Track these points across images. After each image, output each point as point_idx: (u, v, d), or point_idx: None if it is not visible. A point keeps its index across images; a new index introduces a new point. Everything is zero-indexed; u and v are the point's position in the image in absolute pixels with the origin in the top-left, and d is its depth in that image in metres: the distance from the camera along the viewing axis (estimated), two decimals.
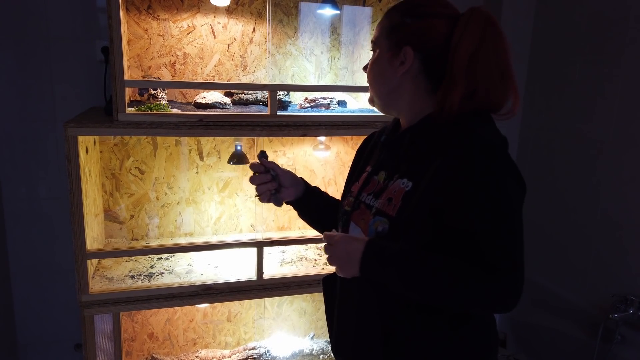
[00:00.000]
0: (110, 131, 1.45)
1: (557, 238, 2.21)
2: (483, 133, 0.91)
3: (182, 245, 1.64)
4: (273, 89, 1.58)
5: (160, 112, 1.51)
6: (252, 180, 1.15)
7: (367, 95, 1.66)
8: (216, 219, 2.17)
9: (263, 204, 1.21)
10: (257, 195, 1.15)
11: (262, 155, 1.14)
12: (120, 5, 1.44)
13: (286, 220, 2.27)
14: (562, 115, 2.25)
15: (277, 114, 1.60)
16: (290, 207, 2.14)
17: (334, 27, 2.15)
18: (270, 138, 2.12)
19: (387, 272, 0.88)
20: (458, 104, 0.91)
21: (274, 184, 1.13)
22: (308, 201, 1.20)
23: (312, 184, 2.14)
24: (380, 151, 1.07)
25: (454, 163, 0.87)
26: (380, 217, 0.94)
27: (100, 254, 1.57)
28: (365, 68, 1.05)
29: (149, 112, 1.52)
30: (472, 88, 0.91)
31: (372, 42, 1.03)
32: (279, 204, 1.14)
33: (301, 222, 2.29)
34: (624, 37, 1.95)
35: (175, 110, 1.60)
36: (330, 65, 2.19)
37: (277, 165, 1.16)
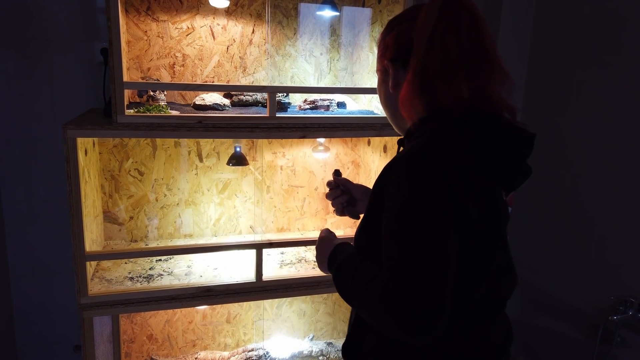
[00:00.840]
0: (109, 133, 1.45)
1: (556, 240, 2.21)
2: (422, 142, 0.81)
3: (182, 247, 1.64)
4: (272, 90, 1.58)
5: (159, 114, 1.51)
6: (327, 196, 1.29)
7: (366, 95, 1.69)
8: (215, 220, 2.16)
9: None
10: (334, 211, 1.29)
11: (336, 173, 1.30)
12: (120, 7, 1.43)
13: (285, 221, 2.27)
14: (563, 117, 2.25)
15: (277, 115, 1.60)
16: (289, 209, 2.13)
17: (334, 29, 2.15)
18: (270, 139, 2.12)
19: (334, 275, 0.94)
20: (412, 106, 0.85)
21: (344, 198, 1.25)
22: None
23: (312, 185, 2.14)
24: None
25: (384, 170, 0.87)
26: None
27: (99, 256, 1.56)
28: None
29: (148, 114, 1.52)
30: (424, 80, 0.83)
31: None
32: (355, 217, 1.26)
33: (300, 224, 2.29)
34: (625, 38, 1.95)
35: (174, 112, 1.60)
36: (330, 67, 2.19)
37: (349, 181, 1.28)
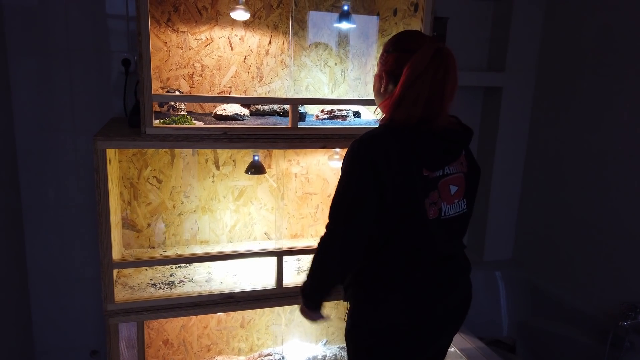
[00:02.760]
0: (139, 144, 1.49)
1: (566, 246, 2.26)
2: (369, 132, 1.23)
3: (206, 255, 1.68)
4: (295, 102, 1.62)
5: (185, 126, 1.54)
6: None
7: None
8: (231, 227, 2.20)
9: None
10: None
11: None
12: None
13: (299, 228, 2.31)
14: (570, 126, 2.30)
15: (298, 126, 1.64)
16: (303, 216, 2.18)
17: (348, 39, 2.20)
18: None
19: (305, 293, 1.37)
20: (386, 112, 1.25)
21: None
22: None
23: (325, 192, 2.19)
24: None
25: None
26: None
27: (126, 264, 1.60)
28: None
29: (175, 125, 1.55)
30: (399, 104, 1.19)
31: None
32: None
33: (314, 230, 2.33)
34: (631, 49, 2.01)
35: (198, 123, 1.64)
36: (344, 76, 2.23)
37: None
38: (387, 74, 1.28)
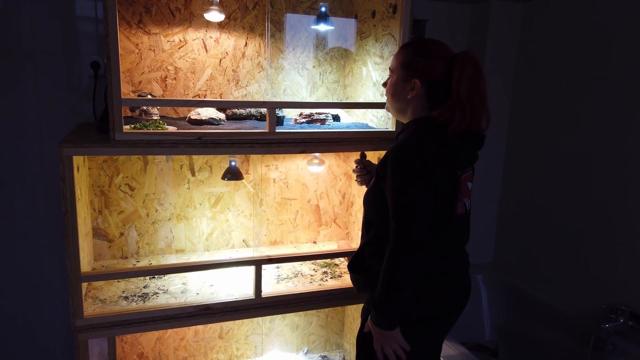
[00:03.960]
0: (107, 151, 1.41)
1: (547, 249, 2.25)
2: (411, 138, 1.27)
3: (180, 265, 1.61)
4: (272, 106, 1.57)
5: (157, 131, 1.48)
6: (354, 170, 1.62)
7: (361, 110, 2.00)
8: (208, 235, 2.13)
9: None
10: (356, 180, 1.64)
11: (363, 156, 1.61)
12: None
13: (278, 234, 2.25)
14: (548, 128, 2.31)
15: (276, 130, 1.59)
16: (282, 222, 2.16)
17: (326, 41, 2.16)
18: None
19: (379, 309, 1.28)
20: (459, 120, 1.24)
21: (368, 177, 1.59)
22: None
23: (304, 198, 2.15)
24: None
25: (383, 157, 1.30)
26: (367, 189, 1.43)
27: (95, 277, 1.52)
28: (384, 85, 1.43)
29: (146, 130, 1.49)
30: (470, 109, 1.24)
31: (389, 69, 1.40)
32: (369, 186, 1.53)
33: (293, 237, 2.28)
34: (608, 50, 2.02)
35: (172, 128, 1.57)
36: (322, 79, 2.19)
37: (371, 162, 1.62)
38: (422, 80, 1.29)
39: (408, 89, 1.32)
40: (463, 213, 1.32)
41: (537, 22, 2.38)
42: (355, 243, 2.28)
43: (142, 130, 1.47)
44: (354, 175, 1.65)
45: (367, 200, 1.39)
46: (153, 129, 1.52)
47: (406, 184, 1.21)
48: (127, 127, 1.54)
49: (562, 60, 2.23)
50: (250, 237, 2.20)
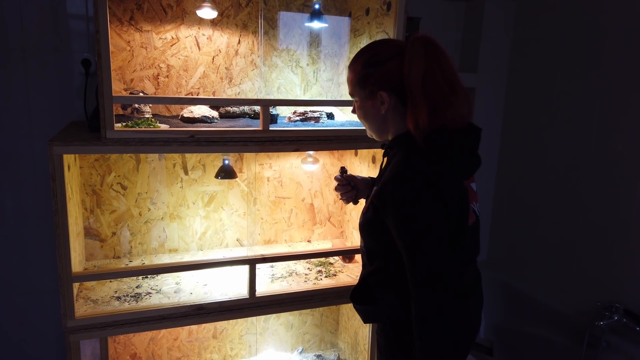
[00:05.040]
0: (98, 149, 1.39)
1: (540, 247, 2.26)
2: (406, 162, 1.11)
3: (173, 265, 1.59)
4: (266, 104, 1.55)
5: (149, 129, 1.46)
6: (337, 189, 1.48)
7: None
8: (201, 234, 2.12)
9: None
10: (340, 199, 1.50)
11: (343, 170, 1.48)
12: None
13: (272, 233, 2.24)
14: (542, 126, 2.31)
15: (270, 128, 1.57)
16: (276, 221, 2.14)
17: (320, 39, 2.14)
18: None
19: None
20: (426, 122, 1.08)
21: (353, 192, 1.46)
22: None
23: (299, 196, 2.14)
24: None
25: (378, 188, 1.14)
26: (362, 214, 1.26)
27: (87, 277, 1.50)
28: (353, 111, 1.30)
29: (138, 128, 1.47)
30: (432, 105, 1.08)
31: (349, 94, 1.26)
32: (356, 203, 1.48)
33: (288, 235, 2.27)
34: (602, 49, 2.02)
35: (164, 126, 1.55)
36: (316, 77, 2.18)
37: (354, 176, 1.49)
38: (387, 90, 1.15)
39: (378, 105, 1.18)
40: (474, 221, 1.19)
41: (531, 20, 2.37)
42: (349, 241, 2.28)
43: (133, 129, 1.45)
44: (337, 194, 1.51)
45: (366, 231, 1.23)
46: (145, 127, 1.50)
47: (417, 226, 1.06)
48: (119, 125, 1.52)
49: (556, 58, 2.23)
50: (244, 236, 2.19)
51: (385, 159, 1.28)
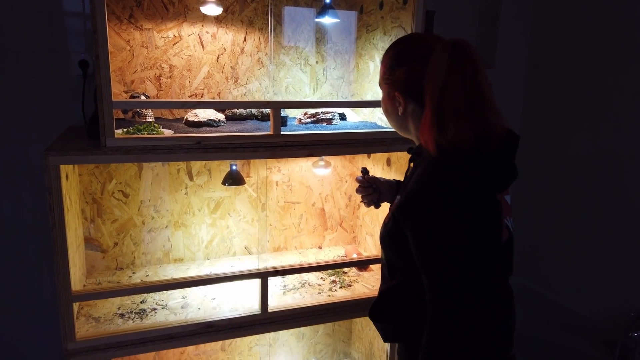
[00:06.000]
0: (98, 159, 1.29)
1: (565, 249, 2.15)
2: (433, 172, 0.99)
3: (179, 281, 1.49)
4: (277, 106, 1.45)
5: (152, 136, 1.35)
6: (358, 191, 1.37)
7: (368, 108, 1.85)
8: (208, 243, 2.01)
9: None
10: (362, 201, 1.39)
11: (365, 172, 1.36)
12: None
13: (282, 240, 2.13)
14: (561, 124, 2.20)
15: (281, 133, 1.46)
16: (286, 227, 2.04)
17: (329, 35, 2.03)
18: None
19: None
20: (431, 140, 0.98)
21: (375, 195, 1.35)
22: None
23: (309, 200, 2.04)
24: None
25: (402, 200, 1.02)
26: (383, 222, 1.16)
27: (87, 296, 1.39)
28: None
29: (140, 135, 1.36)
30: (442, 122, 0.97)
31: (378, 83, 1.16)
32: (377, 207, 1.38)
33: (298, 242, 2.16)
34: (623, 43, 1.90)
35: (167, 132, 1.45)
36: (326, 76, 2.07)
37: (377, 178, 1.38)
38: (403, 93, 1.07)
39: (396, 105, 1.09)
40: (508, 238, 1.08)
41: (550, 12, 2.26)
42: (363, 247, 2.17)
43: (135, 135, 1.34)
44: (358, 196, 1.42)
45: (387, 244, 1.13)
46: (147, 133, 1.40)
47: (440, 245, 0.96)
48: (119, 131, 1.41)
49: (578, 52, 2.11)
50: (253, 244, 2.08)
51: (412, 164, 1.18)
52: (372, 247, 2.08)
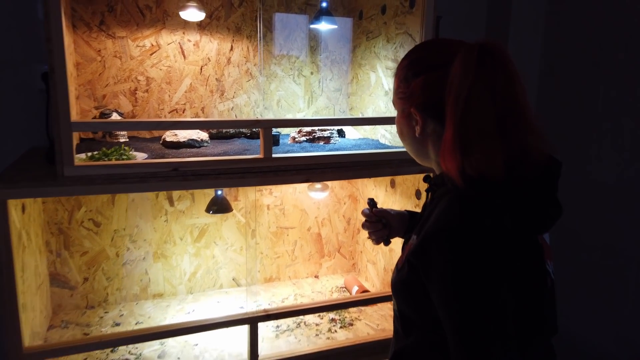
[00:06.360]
0: (52, 191, 1.08)
1: (591, 275, 1.96)
2: (458, 209, 0.79)
3: (154, 331, 1.27)
4: (268, 125, 1.24)
5: (121, 162, 1.14)
6: (365, 226, 1.14)
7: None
8: (191, 275, 1.80)
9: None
10: (368, 237, 1.16)
11: (372, 204, 1.14)
12: (64, 22, 1.07)
13: (274, 269, 1.92)
14: (573, 130, 2.02)
15: (273, 156, 1.26)
16: (278, 255, 1.83)
17: (325, 43, 1.84)
18: None
19: None
20: (454, 166, 0.79)
21: (386, 231, 1.14)
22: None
23: (304, 225, 1.83)
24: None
25: (420, 243, 0.81)
26: (395, 267, 0.94)
27: (44, 353, 1.17)
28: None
29: (105, 161, 1.15)
30: (466, 143, 0.78)
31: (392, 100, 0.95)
32: (387, 244, 1.16)
33: (292, 271, 1.96)
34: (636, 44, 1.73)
35: (140, 155, 1.24)
36: (322, 87, 1.87)
37: (387, 211, 1.15)
38: (420, 109, 0.87)
39: (413, 124, 0.89)
40: (550, 287, 0.89)
41: (562, 18, 2.09)
42: (363, 276, 1.97)
43: (99, 162, 1.13)
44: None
45: (400, 294, 0.93)
46: (116, 159, 1.19)
47: (469, 299, 0.77)
48: (83, 156, 1.20)
49: (588, 60, 1.94)
50: (242, 275, 1.87)
51: (429, 194, 0.97)
52: (374, 276, 1.88)
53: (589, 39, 1.97)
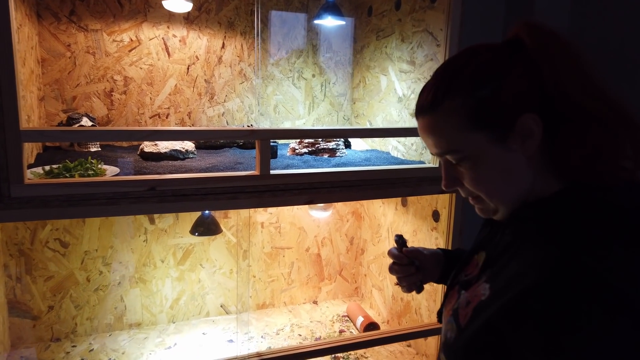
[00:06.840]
0: None
1: None
2: (561, 246, 0.60)
3: None
4: (265, 136, 1.04)
5: (83, 180, 0.93)
6: (393, 271, 0.92)
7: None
8: (173, 302, 1.59)
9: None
10: (397, 284, 0.94)
11: (401, 242, 0.91)
12: (23, 10, 0.86)
13: (268, 295, 1.72)
14: None
15: (271, 173, 1.06)
16: (273, 278, 1.62)
17: (330, 43, 1.64)
18: None
19: None
20: (581, 163, 0.63)
21: (419, 276, 0.91)
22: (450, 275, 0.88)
23: (302, 245, 1.63)
24: (485, 223, 0.80)
25: (523, 286, 0.60)
26: (453, 321, 0.73)
27: None
28: (450, 184, 0.70)
29: (65, 179, 0.94)
30: (586, 138, 0.63)
31: (439, 153, 0.69)
32: (420, 291, 0.93)
33: (287, 297, 1.75)
34: None
35: (110, 171, 1.03)
36: (325, 92, 1.67)
37: (420, 252, 0.92)
38: (532, 111, 0.64)
39: (516, 146, 0.66)
40: None
41: (589, 16, 1.91)
42: (367, 303, 1.76)
43: (58, 180, 0.92)
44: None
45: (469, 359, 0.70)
46: (80, 175, 0.97)
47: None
48: (39, 170, 0.99)
49: (622, 50, 1.76)
50: (231, 301, 1.66)
51: (492, 227, 0.75)
52: (380, 304, 1.67)
53: (613, 38, 1.79)
